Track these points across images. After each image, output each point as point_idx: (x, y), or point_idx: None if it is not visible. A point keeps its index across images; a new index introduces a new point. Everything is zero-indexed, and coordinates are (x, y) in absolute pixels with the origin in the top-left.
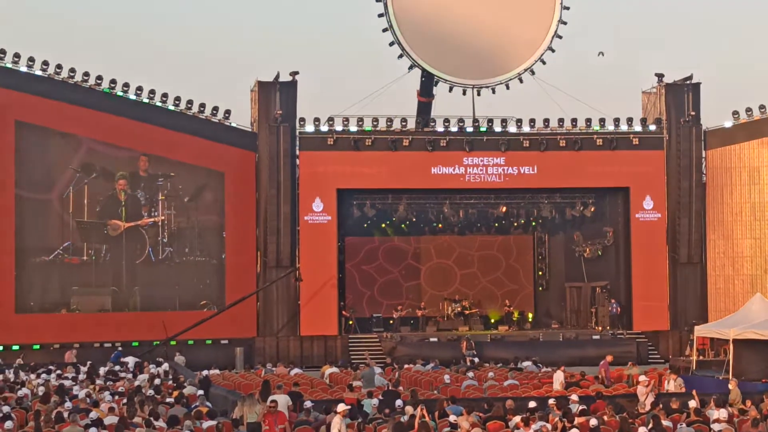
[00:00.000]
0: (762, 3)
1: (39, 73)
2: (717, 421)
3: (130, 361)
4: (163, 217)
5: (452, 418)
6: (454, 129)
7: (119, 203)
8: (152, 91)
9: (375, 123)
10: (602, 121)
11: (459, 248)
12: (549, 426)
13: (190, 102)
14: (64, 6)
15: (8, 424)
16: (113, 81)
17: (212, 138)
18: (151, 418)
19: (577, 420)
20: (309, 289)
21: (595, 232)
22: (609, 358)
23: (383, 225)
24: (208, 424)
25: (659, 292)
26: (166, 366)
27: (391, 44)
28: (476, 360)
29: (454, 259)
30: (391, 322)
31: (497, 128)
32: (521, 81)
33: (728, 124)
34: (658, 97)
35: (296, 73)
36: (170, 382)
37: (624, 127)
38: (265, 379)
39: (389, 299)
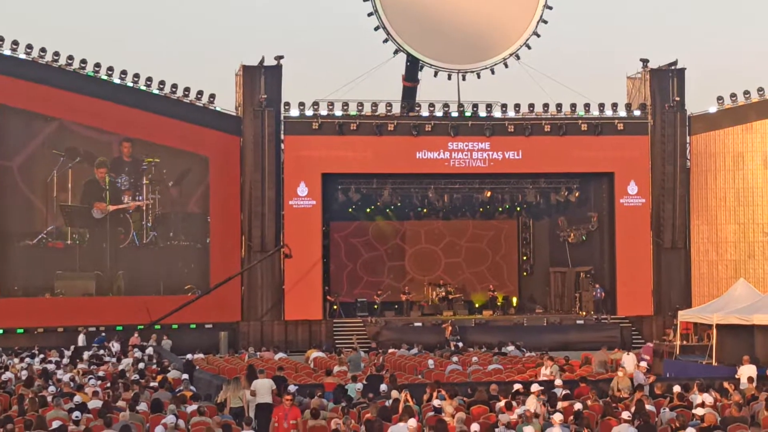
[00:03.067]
0: None
1: (23, 56)
2: (700, 405)
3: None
4: (148, 201)
5: (436, 402)
6: (439, 114)
7: (102, 188)
8: (136, 75)
9: (360, 107)
10: (587, 106)
11: (449, 236)
12: (532, 410)
13: (174, 86)
14: None
15: None
16: (97, 65)
17: (196, 122)
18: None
19: (561, 404)
20: (293, 273)
21: (580, 217)
22: (651, 345)
23: (368, 210)
24: (192, 408)
25: (643, 277)
26: (150, 350)
27: (377, 29)
28: (460, 345)
29: (442, 246)
30: (375, 306)
31: (482, 113)
32: (506, 66)
33: (713, 109)
34: (643, 82)
35: (281, 57)
36: (154, 366)
37: (609, 113)
38: (250, 363)
39: (370, 276)
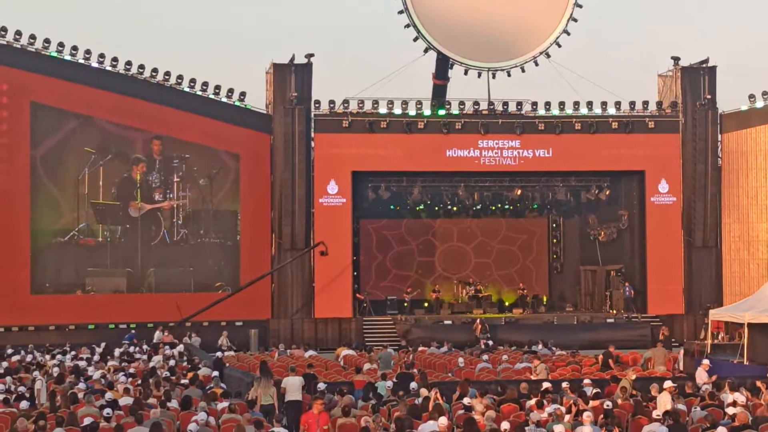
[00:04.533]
0: None
1: (54, 54)
2: (732, 404)
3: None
4: (184, 201)
5: (466, 400)
6: (469, 112)
7: (134, 185)
8: (167, 73)
9: (390, 105)
10: (618, 104)
11: (481, 236)
12: (563, 409)
13: (205, 84)
14: None
15: (24, 404)
16: (129, 62)
17: (227, 120)
18: (165, 400)
19: (591, 403)
20: (324, 271)
21: (610, 215)
22: (706, 366)
23: (398, 207)
24: (222, 405)
25: (674, 275)
26: (180, 347)
27: (407, 26)
28: (490, 343)
29: (473, 246)
30: (405, 304)
31: (512, 111)
32: (536, 64)
33: (744, 107)
34: (674, 80)
35: (311, 55)
36: (185, 364)
37: (639, 111)
38: (263, 359)
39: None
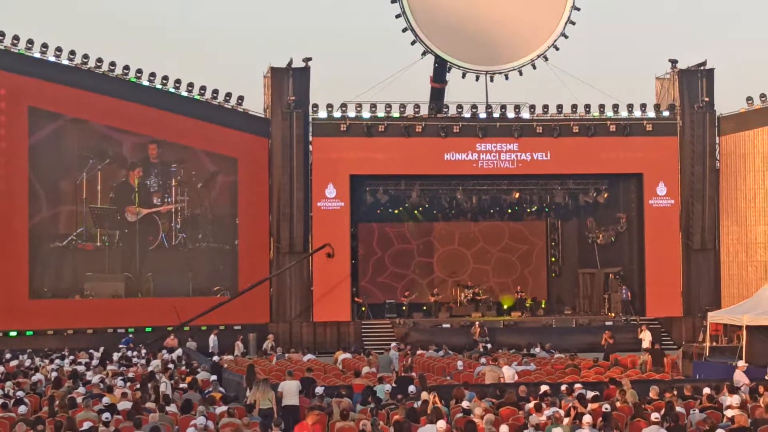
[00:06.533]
0: None
1: (52, 59)
2: (730, 407)
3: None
4: (182, 205)
5: (465, 403)
6: (467, 115)
7: (132, 190)
8: (165, 78)
9: (388, 109)
10: (616, 107)
11: (483, 242)
12: (562, 411)
13: (203, 88)
14: None
15: (22, 408)
16: (126, 67)
17: (225, 124)
18: (164, 404)
19: (590, 406)
20: (322, 274)
21: (609, 218)
22: (742, 367)
23: (396, 211)
24: (221, 409)
25: (672, 278)
26: (179, 351)
27: (404, 30)
28: (489, 346)
29: (473, 251)
30: (404, 308)
31: (510, 114)
32: (534, 67)
33: (742, 109)
34: (672, 83)
35: (309, 59)
36: (183, 368)
37: (637, 113)
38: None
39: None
